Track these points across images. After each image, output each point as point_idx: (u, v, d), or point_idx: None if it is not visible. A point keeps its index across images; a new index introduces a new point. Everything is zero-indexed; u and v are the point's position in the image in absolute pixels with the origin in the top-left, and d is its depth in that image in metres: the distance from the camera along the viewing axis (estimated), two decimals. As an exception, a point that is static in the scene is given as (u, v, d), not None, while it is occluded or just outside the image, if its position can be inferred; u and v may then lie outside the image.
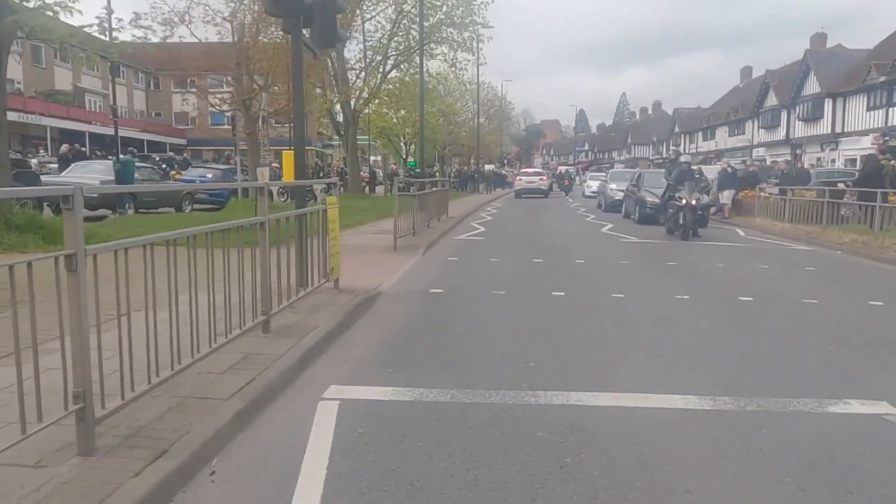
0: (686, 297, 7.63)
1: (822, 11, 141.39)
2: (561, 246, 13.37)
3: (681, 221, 14.72)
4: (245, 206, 17.43)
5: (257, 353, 4.71)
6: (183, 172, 26.56)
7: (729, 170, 21.81)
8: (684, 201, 14.63)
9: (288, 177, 7.30)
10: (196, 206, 21.51)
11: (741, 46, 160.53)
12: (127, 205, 17.25)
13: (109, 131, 47.16)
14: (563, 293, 7.77)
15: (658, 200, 18.24)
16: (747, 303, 7.39)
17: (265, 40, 20.51)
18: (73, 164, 19.00)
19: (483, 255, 11.56)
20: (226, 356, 4.53)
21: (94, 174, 17.33)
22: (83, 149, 29.94)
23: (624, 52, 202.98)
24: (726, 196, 21.32)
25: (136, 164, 20.21)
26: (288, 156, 7.30)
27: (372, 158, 51.09)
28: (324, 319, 5.82)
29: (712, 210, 19.12)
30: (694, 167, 16.12)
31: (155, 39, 20.35)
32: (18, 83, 42.70)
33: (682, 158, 15.73)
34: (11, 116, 37.56)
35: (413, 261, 10.41)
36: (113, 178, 15.96)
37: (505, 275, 9.30)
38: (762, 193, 19.99)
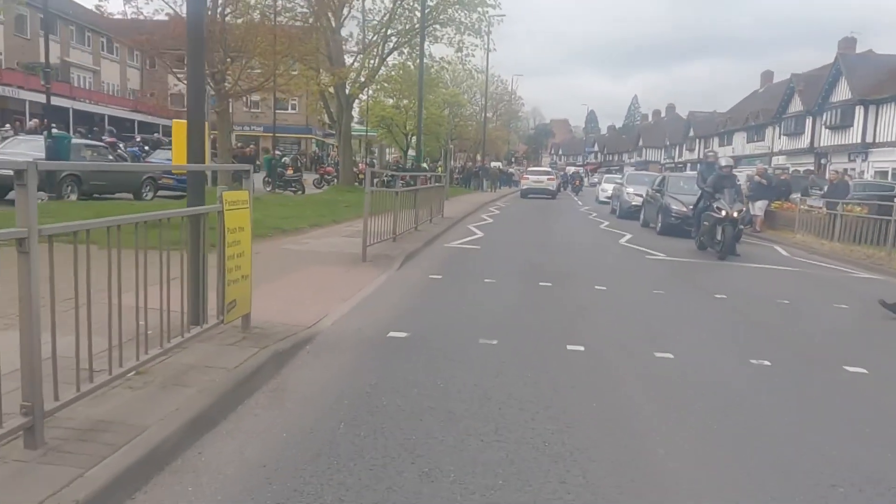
0: (766, 362, 5.13)
1: (840, 19, 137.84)
2: (574, 262, 10.87)
3: (718, 237, 12.21)
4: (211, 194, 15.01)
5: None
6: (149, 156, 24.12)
7: (763, 181, 19.22)
8: (724, 213, 12.12)
9: (178, 157, 4.81)
10: (163, 192, 19.07)
11: (754, 53, 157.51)
12: (68, 188, 14.79)
13: (97, 109, 44.92)
14: (582, 347, 5.28)
15: (684, 209, 15.81)
16: (862, 379, 4.89)
17: (238, 20, 18.13)
18: (11, 139, 16.53)
19: (475, 272, 9.08)
20: None
21: (31, 151, 14.86)
22: (53, 125, 27.39)
23: (634, 56, 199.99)
24: (759, 207, 18.81)
25: (86, 142, 17.75)
26: (179, 126, 4.82)
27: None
28: (173, 406, 3.34)
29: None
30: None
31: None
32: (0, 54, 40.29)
33: (722, 161, 13.16)
34: (-22, 87, 35.49)
35: (381, 278, 7.93)
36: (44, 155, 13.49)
37: (500, 307, 6.82)
38: (803, 206, 17.44)
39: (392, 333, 5.41)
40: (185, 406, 3.37)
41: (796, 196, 19.88)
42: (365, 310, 6.24)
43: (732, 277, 10.04)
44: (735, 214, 12.12)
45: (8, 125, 32.45)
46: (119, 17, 17.84)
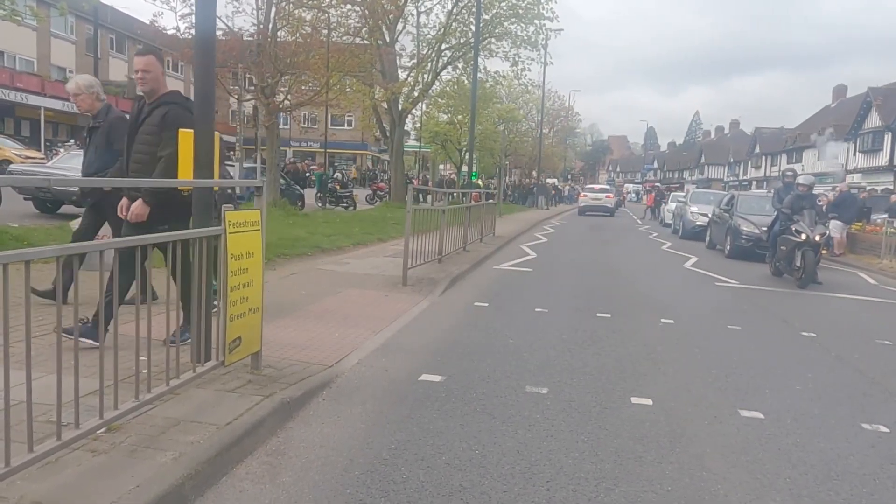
0: (882, 427, 4.15)
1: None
2: (635, 289, 9.92)
3: (798, 263, 11.04)
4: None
5: None
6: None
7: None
8: (804, 236, 10.95)
9: (184, 172, 4.22)
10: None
11: (821, 68, 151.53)
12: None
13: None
14: (649, 400, 4.42)
15: (756, 231, 14.66)
16: None
17: (291, 38, 17.93)
18: (63, 154, 16.67)
19: (526, 299, 8.26)
20: None
21: (79, 166, 14.86)
22: (114, 140, 27.98)
23: (694, 72, 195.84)
24: (834, 227, 17.32)
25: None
26: (185, 136, 4.24)
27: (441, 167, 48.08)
28: (135, 482, 2.67)
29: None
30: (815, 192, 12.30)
31: (173, 17, 18.11)
32: (70, 72, 41.83)
33: (801, 179, 11.95)
34: (54, 104, 36.81)
35: (421, 306, 7.21)
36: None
37: (552, 344, 5.99)
38: (892, 228, 15.90)
39: (424, 376, 4.67)
40: (152, 481, 2.69)
41: (880, 217, 18.32)
42: (397, 345, 5.53)
43: (818, 310, 8.91)
44: (817, 238, 10.94)
45: (72, 140, 33.53)
46: (172, 31, 17.85)
